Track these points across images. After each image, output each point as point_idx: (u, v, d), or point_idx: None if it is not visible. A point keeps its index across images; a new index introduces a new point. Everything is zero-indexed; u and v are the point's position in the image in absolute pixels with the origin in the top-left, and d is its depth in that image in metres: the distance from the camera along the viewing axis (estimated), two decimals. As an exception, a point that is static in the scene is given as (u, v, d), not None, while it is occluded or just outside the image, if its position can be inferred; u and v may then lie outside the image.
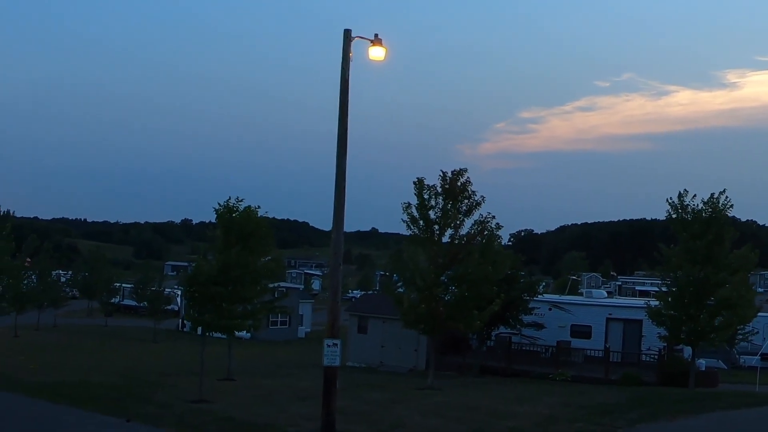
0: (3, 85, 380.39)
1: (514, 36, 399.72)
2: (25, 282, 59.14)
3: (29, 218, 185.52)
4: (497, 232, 33.74)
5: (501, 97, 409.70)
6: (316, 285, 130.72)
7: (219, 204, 30.63)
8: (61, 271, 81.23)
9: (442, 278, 32.82)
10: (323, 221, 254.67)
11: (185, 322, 74.80)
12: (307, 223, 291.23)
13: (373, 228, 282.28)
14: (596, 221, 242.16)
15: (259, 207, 31.85)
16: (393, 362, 42.25)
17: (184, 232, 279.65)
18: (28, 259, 64.22)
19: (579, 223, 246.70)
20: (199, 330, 28.58)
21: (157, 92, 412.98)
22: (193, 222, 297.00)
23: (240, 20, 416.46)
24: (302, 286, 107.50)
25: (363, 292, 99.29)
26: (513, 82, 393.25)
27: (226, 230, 29.70)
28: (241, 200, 30.74)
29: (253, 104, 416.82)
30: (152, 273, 79.03)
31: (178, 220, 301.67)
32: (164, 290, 69.89)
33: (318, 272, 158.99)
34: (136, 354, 49.56)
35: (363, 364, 42.69)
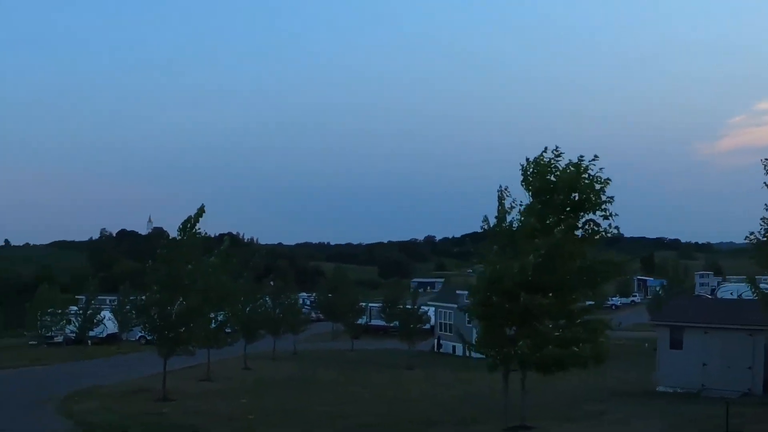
0: (254, 117, 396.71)
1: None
2: (259, 306, 53.29)
3: (273, 244, 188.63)
4: None
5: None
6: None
7: (527, 160, 22.38)
8: (305, 294, 78.12)
9: None
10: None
11: (440, 342, 73.01)
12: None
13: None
14: None
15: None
16: (719, 385, 33.08)
17: (428, 249, 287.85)
18: (271, 282, 59.49)
19: None
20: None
21: (391, 116, 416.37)
22: (437, 239, 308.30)
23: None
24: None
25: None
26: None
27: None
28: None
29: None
30: (399, 290, 75.52)
31: (421, 238, 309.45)
32: (418, 308, 61.67)
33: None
34: (393, 387, 40.75)
35: (678, 389, 34.42)
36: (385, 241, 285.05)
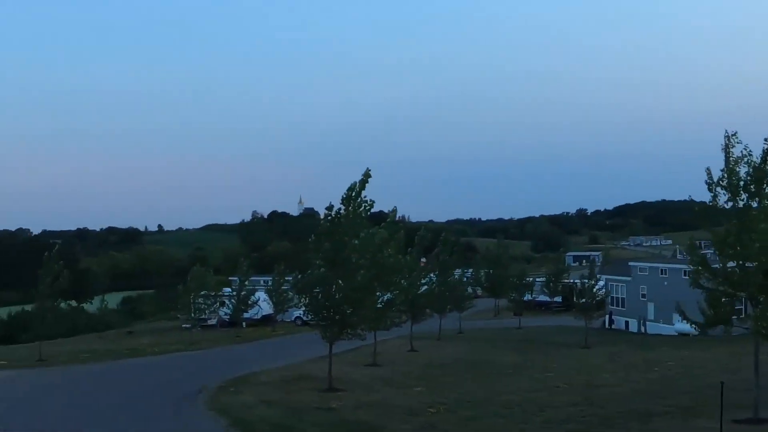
0: (404, 93, 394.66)
1: None
2: (428, 283, 50.01)
3: (424, 222, 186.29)
4: None
5: None
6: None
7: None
8: (458, 270, 74.38)
9: None
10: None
11: (612, 318, 68.76)
12: None
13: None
14: None
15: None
16: None
17: (580, 222, 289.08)
18: (423, 259, 55.93)
19: None
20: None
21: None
22: (588, 212, 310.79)
23: None
24: None
25: None
26: None
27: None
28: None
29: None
30: (558, 264, 74.02)
31: (573, 211, 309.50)
32: (595, 282, 56.75)
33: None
34: (578, 370, 36.29)
35: None
36: (537, 215, 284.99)
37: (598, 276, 57.62)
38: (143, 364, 39.01)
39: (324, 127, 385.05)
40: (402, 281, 32.77)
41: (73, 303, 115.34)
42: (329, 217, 26.68)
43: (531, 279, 78.99)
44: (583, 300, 55.17)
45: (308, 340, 55.54)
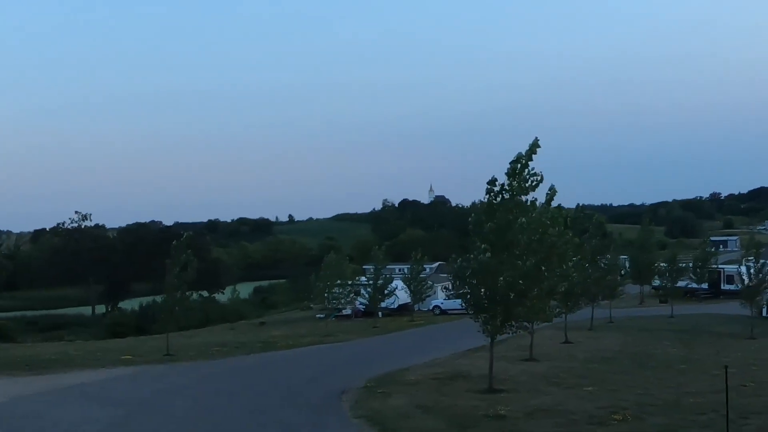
0: (532, 78, 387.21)
1: None
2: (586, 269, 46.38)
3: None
4: None
5: None
6: None
7: None
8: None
9: None
10: None
11: None
12: None
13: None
14: None
15: None
16: None
17: (714, 206, 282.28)
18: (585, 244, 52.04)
19: None
20: None
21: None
22: (722, 195, 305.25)
23: None
24: None
25: None
26: None
27: None
28: None
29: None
30: (706, 248, 70.74)
31: (706, 195, 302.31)
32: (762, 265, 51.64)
33: None
34: (761, 366, 31.68)
35: None
36: (669, 200, 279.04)
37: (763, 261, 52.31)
38: (277, 359, 36.10)
39: (454, 115, 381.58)
40: (570, 266, 28.66)
41: (205, 293, 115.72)
42: (492, 193, 22.89)
43: (683, 264, 74.77)
44: (750, 285, 50.19)
45: (449, 330, 52.28)
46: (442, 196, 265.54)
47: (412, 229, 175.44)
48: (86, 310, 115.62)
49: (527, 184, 22.81)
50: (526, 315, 23.61)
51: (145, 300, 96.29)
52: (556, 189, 24.81)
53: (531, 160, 22.72)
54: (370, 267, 68.22)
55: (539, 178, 22.83)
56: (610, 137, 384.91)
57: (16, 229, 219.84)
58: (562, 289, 28.60)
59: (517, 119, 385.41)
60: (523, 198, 22.99)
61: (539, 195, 23.86)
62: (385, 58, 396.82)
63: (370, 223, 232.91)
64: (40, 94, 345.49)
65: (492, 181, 22.78)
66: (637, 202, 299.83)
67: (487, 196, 23.06)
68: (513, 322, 23.50)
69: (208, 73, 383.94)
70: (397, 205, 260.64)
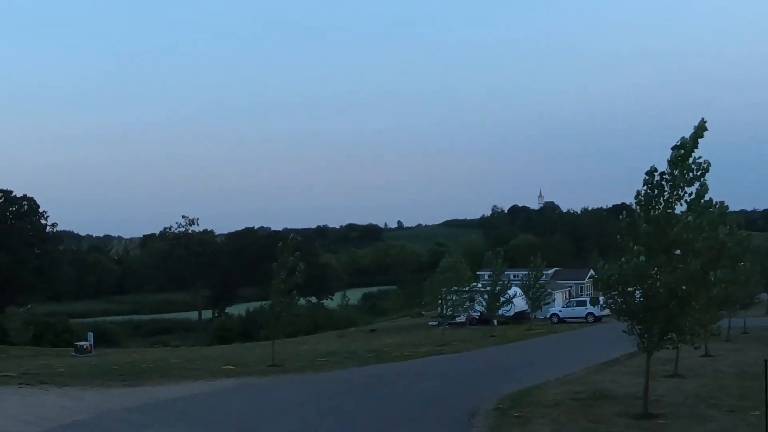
0: (634, 80, 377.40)
1: None
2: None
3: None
4: None
5: None
6: None
7: None
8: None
9: None
10: None
11: None
12: None
13: None
14: None
15: None
16: None
17: None
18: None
19: None
20: None
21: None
22: None
23: None
24: None
25: None
26: None
27: None
28: None
29: None
30: None
31: None
32: None
33: None
34: None
35: None
36: None
37: None
38: (391, 371, 33.01)
39: (563, 119, 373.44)
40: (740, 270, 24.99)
41: (313, 299, 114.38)
42: (649, 185, 19.44)
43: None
44: None
45: (573, 341, 48.63)
46: (552, 202, 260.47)
47: (524, 235, 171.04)
48: (193, 315, 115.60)
49: (691, 175, 19.32)
50: (690, 326, 20.10)
51: (253, 305, 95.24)
52: (708, 185, 21.29)
53: (696, 146, 19.22)
54: (483, 273, 65.11)
55: (705, 166, 19.31)
56: (726, 137, 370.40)
57: (127, 235, 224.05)
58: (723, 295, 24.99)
59: (627, 123, 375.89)
60: (687, 190, 19.54)
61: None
62: (495, 62, 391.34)
63: (479, 229, 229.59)
64: (151, 106, 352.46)
65: (650, 172, 19.33)
66: (749, 208, 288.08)
67: (645, 188, 19.63)
68: (674, 335, 20.03)
69: (318, 77, 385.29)
70: (506, 210, 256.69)
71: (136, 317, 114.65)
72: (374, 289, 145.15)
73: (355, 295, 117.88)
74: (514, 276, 70.40)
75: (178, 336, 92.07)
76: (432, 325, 66.98)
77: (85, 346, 51.50)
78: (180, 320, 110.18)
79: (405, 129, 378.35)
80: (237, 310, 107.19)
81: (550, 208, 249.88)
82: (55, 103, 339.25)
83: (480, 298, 57.88)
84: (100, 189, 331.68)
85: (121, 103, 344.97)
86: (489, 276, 60.96)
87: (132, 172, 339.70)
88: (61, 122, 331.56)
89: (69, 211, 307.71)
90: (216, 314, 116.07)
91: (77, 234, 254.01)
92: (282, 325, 36.27)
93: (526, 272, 62.70)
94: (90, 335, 56.50)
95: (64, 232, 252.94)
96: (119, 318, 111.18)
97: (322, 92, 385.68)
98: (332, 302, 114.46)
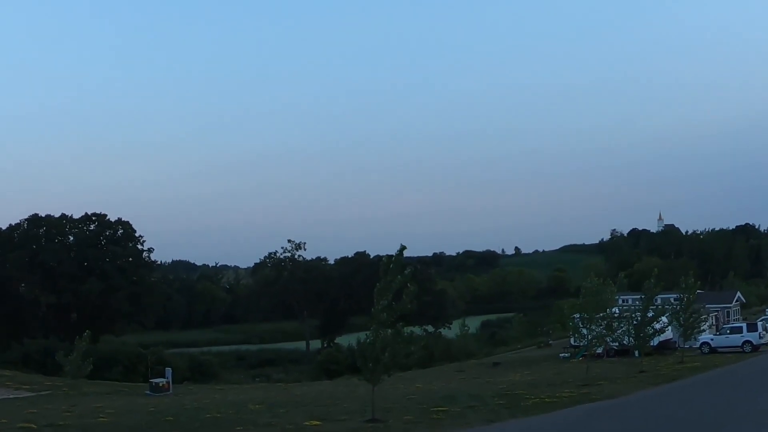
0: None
1: None
2: None
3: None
4: None
5: None
6: None
7: None
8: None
9: None
10: None
11: None
12: None
13: None
14: None
15: None
16: None
17: None
18: None
19: None
20: None
21: None
22: None
23: None
24: None
25: None
26: None
27: None
28: None
29: None
30: None
31: None
32: None
33: None
34: None
35: None
36: None
37: None
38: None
39: (682, 140, 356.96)
40: None
41: (429, 328, 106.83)
42: None
43: None
44: None
45: (750, 376, 38.84)
46: (672, 225, 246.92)
47: (649, 257, 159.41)
48: (302, 345, 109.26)
49: None
50: None
51: (363, 335, 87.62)
52: None
53: None
54: (628, 297, 56.10)
55: None
56: None
57: (243, 265, 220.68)
58: None
59: (738, 142, 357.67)
60: None
61: None
62: (607, 82, 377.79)
63: (598, 254, 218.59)
64: (257, 140, 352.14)
65: None
66: None
67: None
68: None
69: (436, 110, 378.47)
70: (626, 234, 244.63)
71: (243, 347, 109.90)
72: (493, 316, 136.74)
73: (473, 323, 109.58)
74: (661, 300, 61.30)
75: (283, 368, 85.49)
76: (563, 357, 59.57)
77: (161, 384, 44.71)
78: (287, 351, 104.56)
79: (520, 156, 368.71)
80: (347, 340, 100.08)
81: (669, 230, 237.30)
82: (177, 140, 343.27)
83: (623, 326, 48.00)
84: (214, 219, 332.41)
85: (233, 138, 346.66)
86: (623, 300, 51.78)
87: (246, 202, 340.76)
88: (182, 158, 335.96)
89: (185, 239, 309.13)
90: (324, 345, 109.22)
91: (193, 263, 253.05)
92: (384, 366, 27.22)
93: (676, 295, 53.21)
94: (168, 371, 49.15)
95: (180, 261, 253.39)
96: (226, 348, 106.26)
97: (440, 122, 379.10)
98: (449, 331, 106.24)
